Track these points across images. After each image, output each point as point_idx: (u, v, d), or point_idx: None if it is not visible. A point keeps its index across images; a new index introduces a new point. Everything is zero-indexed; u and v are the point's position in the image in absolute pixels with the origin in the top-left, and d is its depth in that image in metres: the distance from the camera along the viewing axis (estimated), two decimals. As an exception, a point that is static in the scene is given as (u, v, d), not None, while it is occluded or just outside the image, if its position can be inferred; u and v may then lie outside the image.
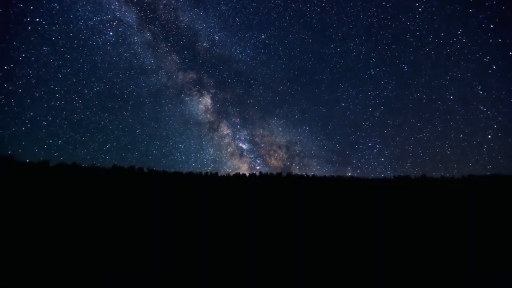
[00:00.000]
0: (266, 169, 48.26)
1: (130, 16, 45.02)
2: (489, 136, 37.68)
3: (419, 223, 8.68)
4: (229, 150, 49.00)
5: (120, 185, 17.86)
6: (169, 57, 49.72)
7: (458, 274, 4.69)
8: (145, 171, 20.94)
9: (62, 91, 40.58)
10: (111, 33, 43.95)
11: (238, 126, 50.69)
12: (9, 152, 34.76)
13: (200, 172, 25.52)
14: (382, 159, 43.97)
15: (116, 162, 43.32)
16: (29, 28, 37.31)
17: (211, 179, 21.41)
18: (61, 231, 7.03)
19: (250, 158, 48.43)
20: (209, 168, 47.80)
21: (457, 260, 5.20)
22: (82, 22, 41.44)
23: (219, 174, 26.67)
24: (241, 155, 48.78)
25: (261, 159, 48.63)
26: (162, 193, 16.29)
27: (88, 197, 13.17)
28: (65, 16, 40.52)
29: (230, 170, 47.72)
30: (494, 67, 37.53)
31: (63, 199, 12.16)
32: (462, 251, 5.87)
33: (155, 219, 9.09)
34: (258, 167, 47.69)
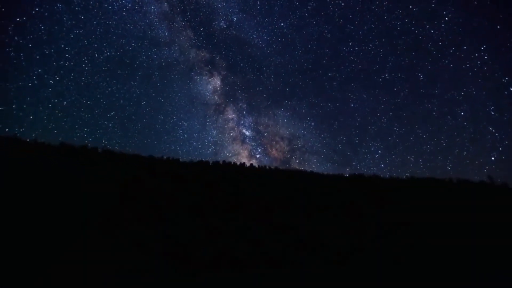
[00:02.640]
0: (266, 159, 47.44)
1: (149, -17, 38.73)
2: (492, 158, 36.62)
3: (420, 223, 8.66)
4: (231, 134, 47.79)
5: (68, 166, 15.29)
6: (184, 32, 47.44)
7: (458, 274, 4.52)
8: (100, 151, 18.27)
9: (73, 52, 39.00)
10: (127, -2, 38.20)
11: (244, 112, 50.08)
12: (13, 106, 32.72)
13: (162, 157, 23.41)
14: (382, 166, 43.42)
15: (118, 131, 42.32)
16: (43, -20, 31.15)
17: (152, 163, 19.52)
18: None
19: (252, 145, 47.84)
20: (210, 150, 46.04)
21: (457, 260, 5.08)
22: (98, -18, 35.36)
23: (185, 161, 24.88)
24: (243, 141, 48.02)
25: (262, 148, 47.93)
26: (118, 179, 14.24)
27: (25, 176, 10.90)
28: (81, -27, 34.72)
29: (230, 155, 46.90)
30: (511, 89, 36.28)
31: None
32: (462, 251, 5.81)
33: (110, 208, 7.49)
34: (258, 156, 46.83)
